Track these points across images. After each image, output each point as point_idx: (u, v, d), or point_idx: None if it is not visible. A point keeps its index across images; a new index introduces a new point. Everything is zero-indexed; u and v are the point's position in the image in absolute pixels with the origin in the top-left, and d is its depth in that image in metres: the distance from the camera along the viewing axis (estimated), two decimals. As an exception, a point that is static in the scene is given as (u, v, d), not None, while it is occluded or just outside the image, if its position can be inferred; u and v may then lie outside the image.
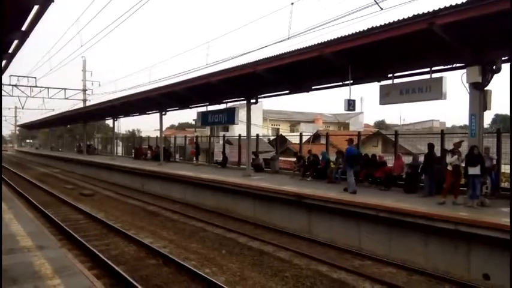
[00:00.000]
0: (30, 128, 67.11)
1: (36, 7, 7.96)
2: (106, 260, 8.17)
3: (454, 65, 10.04)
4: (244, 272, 8.01)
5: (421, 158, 11.73)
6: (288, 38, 12.22)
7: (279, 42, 13.18)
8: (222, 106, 18.71)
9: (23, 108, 39.81)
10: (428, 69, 10.29)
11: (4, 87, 31.24)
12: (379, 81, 11.57)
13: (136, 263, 8.45)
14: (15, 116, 71.60)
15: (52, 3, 7.72)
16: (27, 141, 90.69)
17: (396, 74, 11.19)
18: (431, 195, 10.60)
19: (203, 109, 19.57)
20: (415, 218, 8.61)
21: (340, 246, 9.82)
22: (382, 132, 28.72)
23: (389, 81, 11.27)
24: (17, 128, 79.12)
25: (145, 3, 10.75)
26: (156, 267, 8.18)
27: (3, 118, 73.71)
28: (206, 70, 16.51)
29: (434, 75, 10.13)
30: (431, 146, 11.24)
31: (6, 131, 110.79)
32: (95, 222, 12.50)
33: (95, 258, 8.49)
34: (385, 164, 13.06)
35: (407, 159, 12.99)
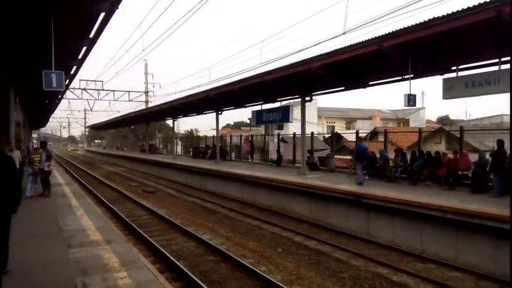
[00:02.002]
0: (98, 129, 71.88)
1: (102, 14, 8.53)
2: (168, 255, 8.53)
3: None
4: (300, 271, 7.99)
5: (489, 156, 10.94)
6: (344, 33, 11.96)
7: (334, 37, 12.93)
8: (277, 104, 18.75)
9: (91, 110, 42.68)
10: (496, 60, 9.57)
11: (75, 91, 33.78)
12: (441, 74, 10.97)
13: (196, 259, 8.73)
14: (85, 118, 76.94)
15: (117, 10, 8.24)
16: (96, 141, 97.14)
17: (461, 67, 10.53)
18: (501, 195, 9.85)
19: (258, 108, 19.75)
20: (483, 219, 8.05)
21: (401, 249, 9.45)
22: (445, 128, 27.15)
23: (453, 74, 10.64)
24: (87, 129, 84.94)
25: (204, 3, 11.02)
26: (215, 263, 8.40)
27: (74, 120, 79.77)
28: (260, 69, 16.65)
29: (503, 67, 9.39)
30: (500, 143, 10.44)
31: (77, 132, 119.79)
32: (156, 218, 13.11)
33: (157, 252, 8.91)
34: (449, 161, 12.33)
35: (474, 157, 12.17)
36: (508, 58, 9.39)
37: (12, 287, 4.76)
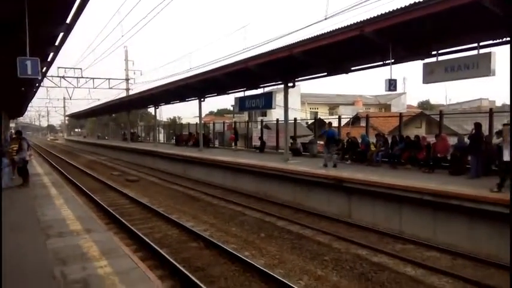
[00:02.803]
0: (78, 117, 70.51)
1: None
2: (150, 242, 8.50)
3: (504, 39, 9.37)
4: (283, 255, 8.08)
5: (467, 139, 11.17)
6: (326, 19, 11.89)
7: (317, 23, 12.88)
8: (260, 91, 18.67)
9: (70, 98, 41.74)
10: (475, 44, 9.69)
11: (53, 79, 32.90)
12: (422, 59, 11.05)
13: (179, 246, 8.73)
14: (64, 107, 75.26)
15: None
16: (76, 130, 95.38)
17: (441, 51, 10.61)
18: (478, 177, 10.10)
19: (241, 94, 19.64)
20: (461, 200, 8.26)
21: (381, 230, 9.64)
22: (425, 113, 27.58)
23: (433, 59, 10.74)
24: (66, 117, 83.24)
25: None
26: (198, 250, 8.41)
27: (53, 109, 78.01)
28: (244, 55, 16.50)
29: (482, 51, 9.52)
30: (478, 126, 10.66)
31: (56, 121, 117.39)
32: (139, 207, 13.02)
33: (140, 241, 8.86)
34: (428, 145, 12.56)
35: (453, 141, 12.42)
36: (486, 42, 9.55)
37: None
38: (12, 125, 57.89)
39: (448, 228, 8.70)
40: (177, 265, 7.09)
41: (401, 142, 13.61)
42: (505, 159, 8.27)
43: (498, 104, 38.72)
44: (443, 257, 7.85)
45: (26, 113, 64.25)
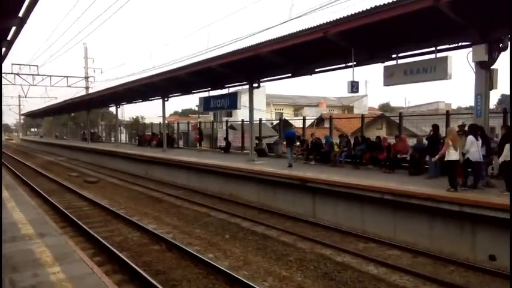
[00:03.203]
0: (34, 116, 67.25)
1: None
2: (109, 246, 8.16)
3: (460, 44, 9.76)
4: (248, 257, 7.99)
5: (425, 140, 11.55)
6: (290, 19, 11.95)
7: (281, 24, 12.93)
8: (225, 91, 18.52)
9: (26, 96, 39.84)
10: (433, 48, 10.03)
11: (6, 76, 31.18)
12: (383, 62, 11.34)
13: (140, 249, 8.45)
14: (19, 105, 71.65)
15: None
16: (32, 129, 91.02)
17: (400, 55, 10.92)
18: (436, 177, 10.46)
19: (205, 94, 19.39)
20: (420, 200, 8.50)
21: (344, 230, 9.76)
22: (386, 115, 28.45)
23: (393, 62, 11.03)
24: (22, 117, 79.24)
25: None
26: (160, 253, 8.17)
27: (7, 108, 73.99)
28: (208, 55, 16.29)
29: (439, 55, 9.88)
30: (435, 127, 11.06)
31: (12, 120, 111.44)
32: (98, 209, 12.52)
33: (98, 245, 8.49)
34: (389, 146, 12.89)
35: (412, 142, 12.82)
36: (443, 47, 9.91)
37: None
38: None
39: (408, 227, 8.93)
40: (137, 269, 6.83)
41: (363, 143, 13.90)
42: (447, 159, 8.78)
43: (454, 106, 40.68)
44: (404, 255, 8.04)
45: (-24, 110, 60.56)
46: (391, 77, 11.01)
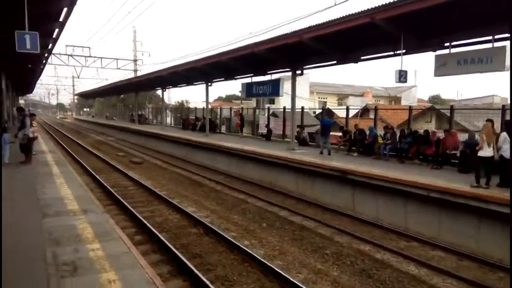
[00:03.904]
0: (86, 97, 70.55)
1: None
2: (150, 226, 8.40)
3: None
4: (283, 247, 7.93)
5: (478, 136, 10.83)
6: (335, 4, 11.51)
7: (327, 9, 12.53)
8: (268, 78, 18.37)
9: (79, 77, 41.71)
10: (490, 37, 9.29)
11: (61, 57, 32.78)
12: (434, 50, 10.68)
13: (179, 231, 8.63)
14: (73, 85, 75.26)
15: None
16: (85, 109, 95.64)
17: (454, 43, 10.22)
18: (487, 176, 9.78)
19: (248, 80, 19.34)
20: (467, 199, 8.01)
21: (385, 226, 9.44)
22: (436, 107, 27.08)
23: (446, 51, 10.37)
24: (75, 97, 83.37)
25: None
26: (197, 236, 8.30)
27: (63, 87, 78.00)
28: (251, 40, 16.16)
29: (496, 44, 9.13)
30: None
31: (66, 100, 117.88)
32: (142, 189, 12.94)
33: (140, 224, 8.77)
34: (438, 140, 12.24)
35: (463, 137, 12.08)
36: (502, 36, 9.15)
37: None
38: (21, 101, 58.12)
39: (454, 227, 8.47)
40: (175, 251, 6.98)
41: (410, 136, 13.30)
42: (479, 155, 8.61)
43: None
44: (449, 257, 7.64)
45: (35, 90, 64.48)
46: (443, 67, 10.35)
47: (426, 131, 13.00)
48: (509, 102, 11.01)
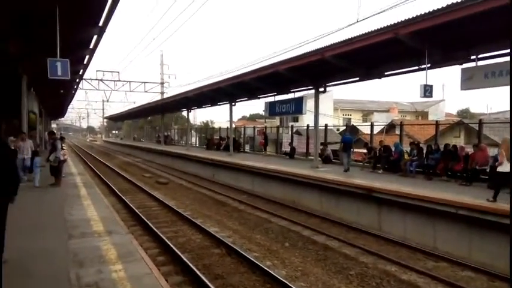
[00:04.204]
0: (115, 119, 72.76)
1: (109, 2, 8.42)
2: (173, 246, 8.44)
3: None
4: (306, 267, 7.78)
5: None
6: (357, 21, 11.53)
7: (348, 26, 12.55)
8: (291, 96, 18.44)
9: (108, 101, 43.07)
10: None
11: (91, 82, 34.08)
12: (460, 64, 10.48)
13: (201, 252, 8.62)
14: (103, 109, 77.87)
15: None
16: (113, 132, 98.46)
17: (480, 56, 10.00)
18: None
19: (271, 99, 19.47)
20: (496, 216, 7.65)
21: (412, 245, 9.11)
22: (464, 121, 26.31)
23: (472, 64, 10.14)
24: (104, 119, 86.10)
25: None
26: (220, 257, 8.26)
27: (93, 111, 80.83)
28: (274, 59, 16.33)
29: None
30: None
31: (96, 123, 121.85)
32: (166, 210, 13.06)
33: (163, 245, 8.82)
34: (466, 156, 11.84)
35: (493, 152, 11.64)
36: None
37: (5, 277, 4.70)
38: (53, 125, 60.49)
39: (485, 247, 8.08)
40: (197, 272, 6.96)
41: (437, 152, 12.94)
42: (499, 170, 8.49)
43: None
44: (479, 278, 7.28)
45: (66, 114, 67.08)
46: (469, 81, 10.12)
47: (454, 146, 12.63)
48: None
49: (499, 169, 8.50)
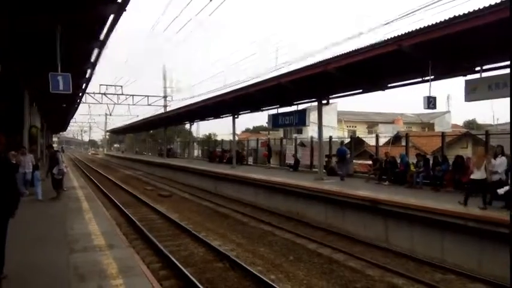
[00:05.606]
0: (117, 133, 73.00)
1: (111, 16, 8.44)
2: (175, 261, 8.27)
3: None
4: (311, 281, 7.59)
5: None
6: (359, 35, 11.51)
7: (350, 39, 12.55)
8: (294, 108, 18.42)
9: (111, 114, 43.28)
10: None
11: (94, 96, 34.26)
12: (464, 75, 10.42)
13: (204, 266, 8.44)
14: (106, 122, 78.17)
15: (124, 12, 8.13)
16: (115, 145, 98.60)
17: (485, 67, 9.93)
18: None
19: (274, 111, 19.44)
20: (506, 228, 7.45)
21: (420, 258, 8.90)
22: (471, 133, 26.12)
23: (476, 75, 10.08)
24: (107, 133, 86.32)
25: (220, 5, 10.85)
26: (223, 271, 8.09)
27: (96, 124, 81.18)
28: (276, 72, 16.39)
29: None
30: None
31: (98, 136, 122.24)
32: (168, 223, 12.90)
33: (165, 259, 8.65)
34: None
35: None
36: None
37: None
38: (54, 139, 60.61)
39: (496, 259, 7.86)
40: (200, 286, 6.80)
41: (444, 163, 12.77)
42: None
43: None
44: (490, 291, 7.08)
45: (69, 127, 67.35)
46: (473, 92, 10.05)
47: (461, 157, 12.47)
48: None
49: (472, 176, 9.47)
